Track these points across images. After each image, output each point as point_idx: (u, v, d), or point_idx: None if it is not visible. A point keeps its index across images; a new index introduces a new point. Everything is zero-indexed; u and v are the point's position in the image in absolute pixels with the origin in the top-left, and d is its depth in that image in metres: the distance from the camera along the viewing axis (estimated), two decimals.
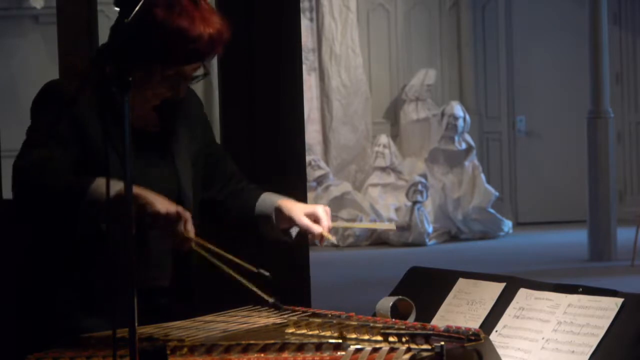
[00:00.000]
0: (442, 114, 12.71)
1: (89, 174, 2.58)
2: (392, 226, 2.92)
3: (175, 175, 2.78)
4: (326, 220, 2.81)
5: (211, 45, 2.63)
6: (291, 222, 2.84)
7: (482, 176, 12.66)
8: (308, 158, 12.43)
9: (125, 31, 2.61)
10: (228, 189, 2.93)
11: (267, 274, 2.66)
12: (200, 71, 2.71)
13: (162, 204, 2.56)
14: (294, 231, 2.89)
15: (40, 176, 2.58)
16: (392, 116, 13.60)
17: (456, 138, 12.61)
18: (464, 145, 12.65)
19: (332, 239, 2.78)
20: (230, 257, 2.68)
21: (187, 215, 2.61)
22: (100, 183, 2.53)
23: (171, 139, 2.80)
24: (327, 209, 2.85)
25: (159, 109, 2.76)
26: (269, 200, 2.88)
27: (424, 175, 12.37)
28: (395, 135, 13.34)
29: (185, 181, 2.80)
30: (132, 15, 2.08)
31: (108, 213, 2.47)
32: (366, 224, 3.08)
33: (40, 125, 2.66)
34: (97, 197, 2.52)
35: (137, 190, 2.49)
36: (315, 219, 2.81)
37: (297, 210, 2.83)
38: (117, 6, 2.61)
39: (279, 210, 2.85)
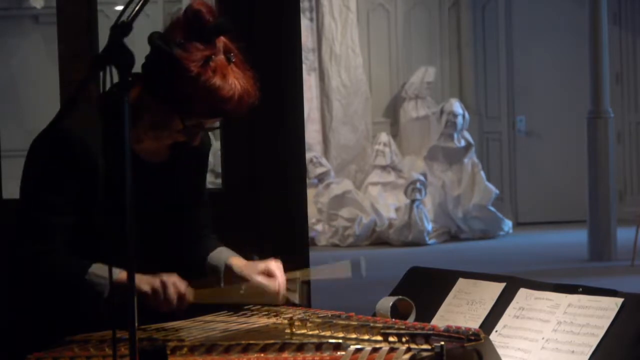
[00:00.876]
0: (441, 112, 12.71)
1: (91, 231, 2.62)
2: (348, 272, 2.79)
3: (178, 206, 2.80)
4: (280, 276, 2.75)
5: (239, 105, 2.60)
6: (242, 281, 2.78)
7: (482, 173, 12.65)
8: (309, 155, 12.45)
9: (153, 68, 2.61)
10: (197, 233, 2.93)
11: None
12: (217, 123, 2.72)
13: (146, 283, 2.59)
14: (243, 287, 2.80)
15: (39, 269, 2.63)
16: (392, 115, 13.60)
17: (455, 135, 12.61)
18: (463, 143, 12.65)
19: (294, 297, 2.65)
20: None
21: (172, 278, 2.62)
22: (93, 274, 2.59)
23: (178, 172, 2.81)
24: (279, 263, 2.78)
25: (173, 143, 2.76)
26: (223, 255, 2.85)
27: (424, 174, 12.37)
28: (394, 134, 13.34)
29: (187, 212, 2.82)
30: (132, 15, 2.06)
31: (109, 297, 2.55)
32: (320, 270, 2.99)
33: (39, 188, 2.63)
34: (95, 282, 2.59)
35: (122, 276, 2.46)
36: (269, 275, 2.75)
37: (249, 269, 2.78)
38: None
39: (228, 268, 2.81)
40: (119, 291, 2.32)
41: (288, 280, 2.77)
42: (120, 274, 2.50)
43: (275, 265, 2.77)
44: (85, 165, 2.61)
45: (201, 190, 2.91)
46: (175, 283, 2.62)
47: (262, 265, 2.78)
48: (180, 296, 2.61)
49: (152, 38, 2.61)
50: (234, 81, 2.58)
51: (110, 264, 2.42)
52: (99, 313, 2.55)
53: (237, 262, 2.82)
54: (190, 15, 2.58)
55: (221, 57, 2.59)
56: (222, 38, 2.60)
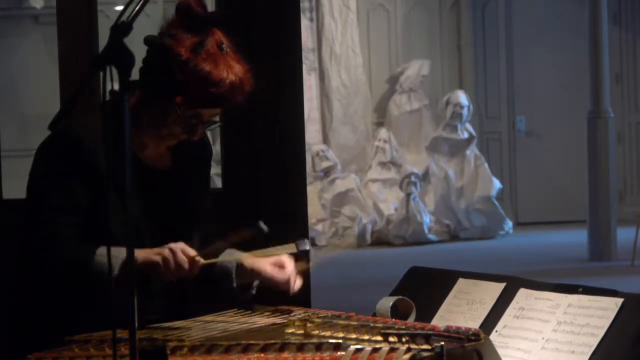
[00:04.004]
0: (447, 103, 12.68)
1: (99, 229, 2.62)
2: (294, 249, 2.88)
3: (183, 212, 2.82)
4: (290, 267, 2.83)
5: (231, 92, 2.65)
6: (253, 275, 2.84)
7: (486, 165, 12.63)
8: (316, 148, 12.46)
9: (148, 64, 2.66)
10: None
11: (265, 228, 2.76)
12: (217, 118, 2.75)
13: (155, 253, 2.61)
14: (255, 285, 2.86)
15: (47, 256, 2.64)
16: (382, 107, 13.58)
17: (459, 126, 12.60)
18: (465, 134, 12.65)
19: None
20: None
21: (179, 245, 2.64)
22: (101, 255, 2.59)
23: (181, 178, 2.83)
24: (290, 257, 2.84)
25: (174, 149, 2.79)
26: (232, 256, 2.88)
27: (427, 167, 12.40)
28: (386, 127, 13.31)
29: (191, 218, 2.84)
30: (132, 15, 2.07)
31: (116, 281, 2.53)
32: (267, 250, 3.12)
33: (46, 187, 2.65)
34: (101, 269, 2.58)
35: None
36: (280, 267, 2.83)
37: (259, 263, 2.84)
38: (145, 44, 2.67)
39: (240, 266, 2.85)
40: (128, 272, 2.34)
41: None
42: (120, 255, 2.52)
43: (286, 258, 2.83)
44: (93, 168, 2.63)
45: (205, 197, 2.94)
46: (183, 249, 2.64)
47: (272, 258, 2.83)
48: (191, 260, 2.63)
49: (147, 38, 2.68)
50: (226, 68, 2.63)
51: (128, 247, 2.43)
52: (108, 299, 2.56)
53: (247, 259, 2.86)
54: (181, 8, 2.66)
55: (213, 45, 2.64)
56: (215, 30, 2.67)
